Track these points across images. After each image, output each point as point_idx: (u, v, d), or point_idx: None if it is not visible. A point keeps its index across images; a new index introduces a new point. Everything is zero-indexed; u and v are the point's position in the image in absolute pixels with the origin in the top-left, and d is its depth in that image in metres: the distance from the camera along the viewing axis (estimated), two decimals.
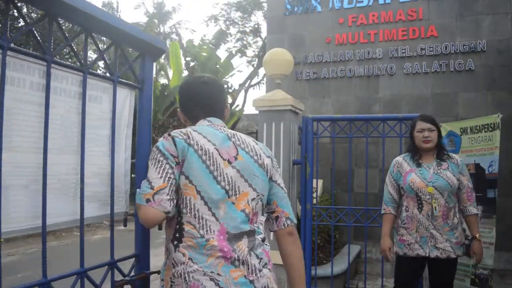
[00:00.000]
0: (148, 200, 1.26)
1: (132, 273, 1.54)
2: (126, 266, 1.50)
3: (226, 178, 1.34)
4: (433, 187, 2.53)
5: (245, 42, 17.85)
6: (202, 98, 1.48)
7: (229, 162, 1.36)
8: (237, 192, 1.36)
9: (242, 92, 17.36)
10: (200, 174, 1.31)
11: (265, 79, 14.10)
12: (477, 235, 2.54)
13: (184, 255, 1.29)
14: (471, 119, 4.12)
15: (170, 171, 1.29)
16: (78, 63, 1.37)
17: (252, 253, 1.34)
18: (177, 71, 12.29)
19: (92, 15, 1.28)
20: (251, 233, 1.35)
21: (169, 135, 1.35)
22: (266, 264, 1.37)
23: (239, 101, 17.75)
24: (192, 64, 14.64)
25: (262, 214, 1.45)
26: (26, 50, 1.20)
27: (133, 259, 1.56)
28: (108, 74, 1.53)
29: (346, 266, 4.30)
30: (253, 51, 17.78)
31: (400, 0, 5.90)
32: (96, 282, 1.36)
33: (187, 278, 1.27)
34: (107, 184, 1.47)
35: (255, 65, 17.38)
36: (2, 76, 1.08)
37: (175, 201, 1.29)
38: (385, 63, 5.92)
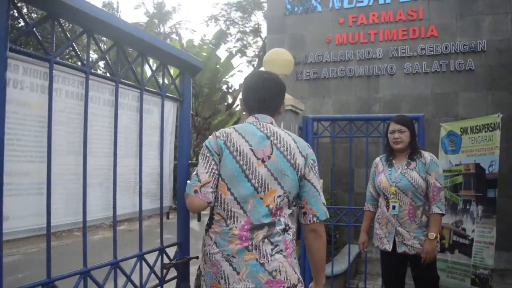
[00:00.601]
0: (196, 191, 1.49)
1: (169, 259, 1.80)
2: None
3: (257, 177, 1.50)
4: (396, 187, 2.65)
5: (245, 42, 17.85)
6: (260, 93, 1.61)
7: (263, 161, 1.51)
8: (266, 189, 1.50)
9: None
10: (232, 174, 1.50)
11: None
12: (428, 234, 2.55)
13: (211, 239, 1.54)
14: (471, 119, 4.12)
15: (215, 167, 1.51)
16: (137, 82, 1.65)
17: (267, 240, 1.49)
18: None
19: (148, 42, 1.58)
20: (271, 224, 1.50)
21: (215, 134, 1.56)
22: (281, 250, 1.50)
23: (239, 101, 17.71)
24: None
25: (289, 208, 1.57)
26: (102, 74, 1.52)
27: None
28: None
29: (346, 266, 4.30)
30: (253, 51, 17.78)
31: (400, 0, 5.90)
32: (150, 264, 1.68)
33: (211, 257, 1.52)
34: (157, 182, 1.78)
35: (255, 65, 17.37)
36: (85, 96, 1.37)
37: (215, 193, 1.52)
38: (385, 63, 5.92)
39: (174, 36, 19.59)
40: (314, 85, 6.30)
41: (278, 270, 1.47)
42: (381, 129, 3.53)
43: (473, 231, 3.64)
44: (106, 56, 1.50)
